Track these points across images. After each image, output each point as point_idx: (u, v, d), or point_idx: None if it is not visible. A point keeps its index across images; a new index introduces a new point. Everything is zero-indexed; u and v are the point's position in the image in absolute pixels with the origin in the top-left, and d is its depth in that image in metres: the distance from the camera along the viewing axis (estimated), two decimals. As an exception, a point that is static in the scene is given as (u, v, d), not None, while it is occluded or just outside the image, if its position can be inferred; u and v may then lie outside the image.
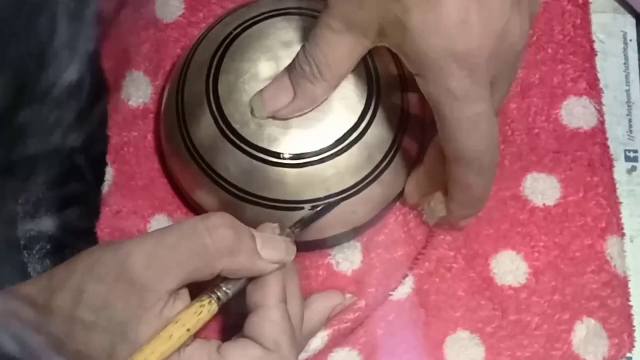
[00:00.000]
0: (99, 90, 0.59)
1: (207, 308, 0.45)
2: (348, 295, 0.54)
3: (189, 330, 0.44)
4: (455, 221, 0.54)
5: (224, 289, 0.46)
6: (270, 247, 0.47)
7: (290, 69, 0.51)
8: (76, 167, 0.58)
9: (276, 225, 0.50)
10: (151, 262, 0.44)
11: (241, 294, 0.47)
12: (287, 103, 0.51)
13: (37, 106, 0.36)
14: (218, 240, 0.45)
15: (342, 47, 0.49)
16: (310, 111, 0.51)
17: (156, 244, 0.45)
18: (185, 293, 0.46)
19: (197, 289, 0.47)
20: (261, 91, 0.51)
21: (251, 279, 0.47)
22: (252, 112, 0.52)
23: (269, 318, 0.46)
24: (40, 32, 0.35)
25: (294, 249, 0.49)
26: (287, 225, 0.51)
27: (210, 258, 0.45)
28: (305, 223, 0.51)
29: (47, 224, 0.60)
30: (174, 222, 0.56)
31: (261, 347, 0.45)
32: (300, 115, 0.51)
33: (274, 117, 0.51)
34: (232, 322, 0.51)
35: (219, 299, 0.46)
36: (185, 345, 0.45)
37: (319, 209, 0.52)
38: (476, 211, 0.53)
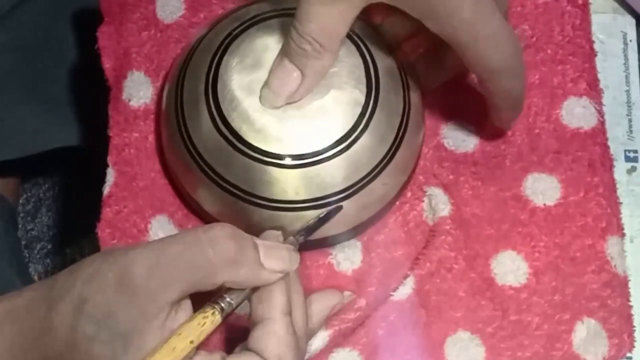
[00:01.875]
0: (99, 90, 0.59)
1: (210, 319, 0.45)
2: (346, 293, 0.54)
3: (192, 342, 0.44)
4: (506, 125, 0.57)
5: (227, 299, 0.46)
6: (273, 257, 0.46)
7: (287, 52, 0.51)
8: (77, 167, 0.58)
9: (279, 232, 0.50)
10: (152, 272, 0.44)
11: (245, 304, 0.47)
12: (297, 85, 0.51)
13: (34, 105, 0.36)
14: (220, 252, 0.45)
15: (333, 14, 0.49)
16: (311, 110, 0.52)
17: (158, 255, 0.44)
18: (186, 304, 0.46)
19: (200, 299, 0.46)
20: (266, 83, 0.51)
21: (255, 289, 0.46)
22: (262, 103, 0.51)
23: (273, 331, 0.45)
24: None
25: (297, 257, 0.48)
26: (287, 226, 0.52)
27: (212, 270, 0.45)
28: (309, 230, 0.51)
29: (47, 224, 0.60)
30: (175, 222, 0.56)
31: None
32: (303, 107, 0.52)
33: (288, 102, 0.51)
34: (235, 334, 0.51)
35: (222, 309, 0.45)
36: (188, 357, 0.44)
37: (322, 215, 0.52)
38: (520, 110, 0.56)
